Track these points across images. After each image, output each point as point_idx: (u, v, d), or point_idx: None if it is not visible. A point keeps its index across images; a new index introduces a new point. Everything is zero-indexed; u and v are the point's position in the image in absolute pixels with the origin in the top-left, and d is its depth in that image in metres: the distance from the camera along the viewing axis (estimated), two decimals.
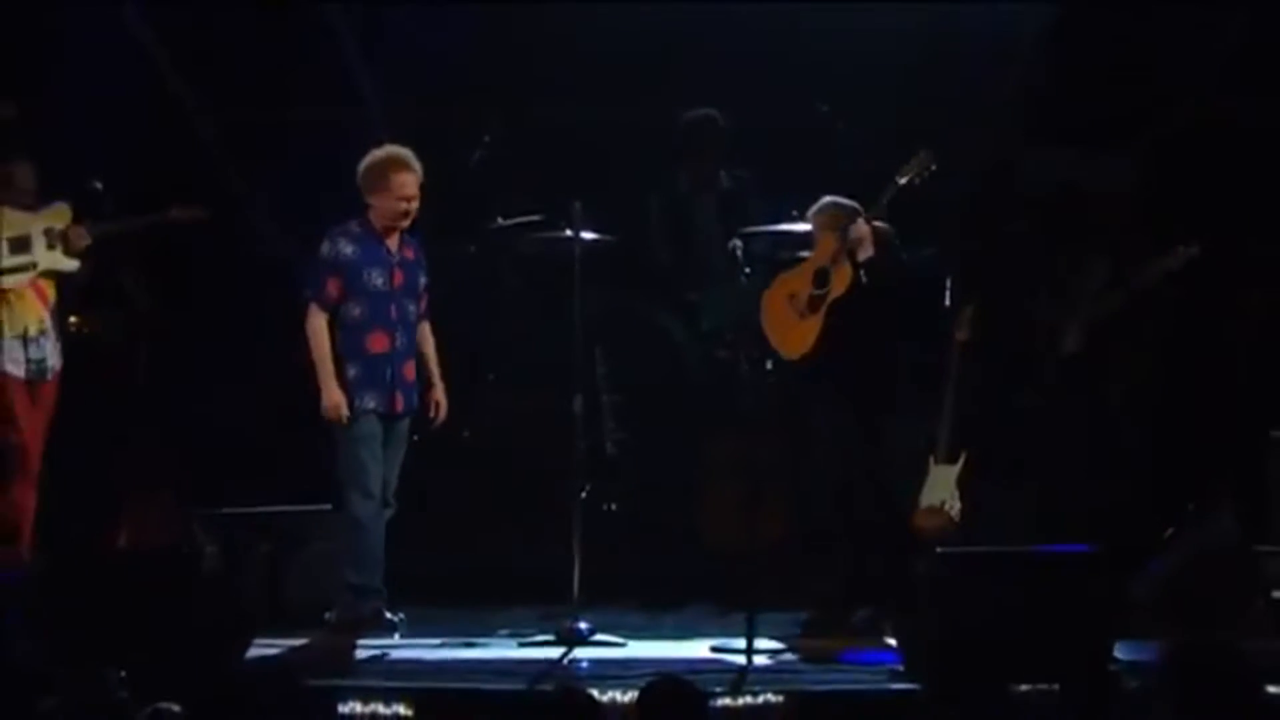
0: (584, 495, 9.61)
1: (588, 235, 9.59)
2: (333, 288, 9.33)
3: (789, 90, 11.13)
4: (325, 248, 9.35)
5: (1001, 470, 10.39)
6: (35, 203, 9.83)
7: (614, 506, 10.55)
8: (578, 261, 9.46)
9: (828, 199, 9.57)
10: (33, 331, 9.78)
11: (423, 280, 9.53)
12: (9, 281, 9.71)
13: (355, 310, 9.34)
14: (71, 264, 9.86)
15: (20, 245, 9.76)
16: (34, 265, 9.75)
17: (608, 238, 9.93)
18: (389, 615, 9.33)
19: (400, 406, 9.38)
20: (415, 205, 9.38)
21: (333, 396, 9.27)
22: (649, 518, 10.60)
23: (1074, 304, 10.24)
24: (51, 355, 9.83)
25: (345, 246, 9.34)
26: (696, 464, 10.57)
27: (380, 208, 9.35)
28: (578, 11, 11.12)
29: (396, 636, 9.21)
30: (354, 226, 9.40)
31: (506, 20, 11.25)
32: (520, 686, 8.05)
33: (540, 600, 9.65)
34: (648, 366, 10.73)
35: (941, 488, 10.28)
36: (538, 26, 11.21)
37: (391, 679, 8.18)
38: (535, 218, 10.23)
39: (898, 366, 9.66)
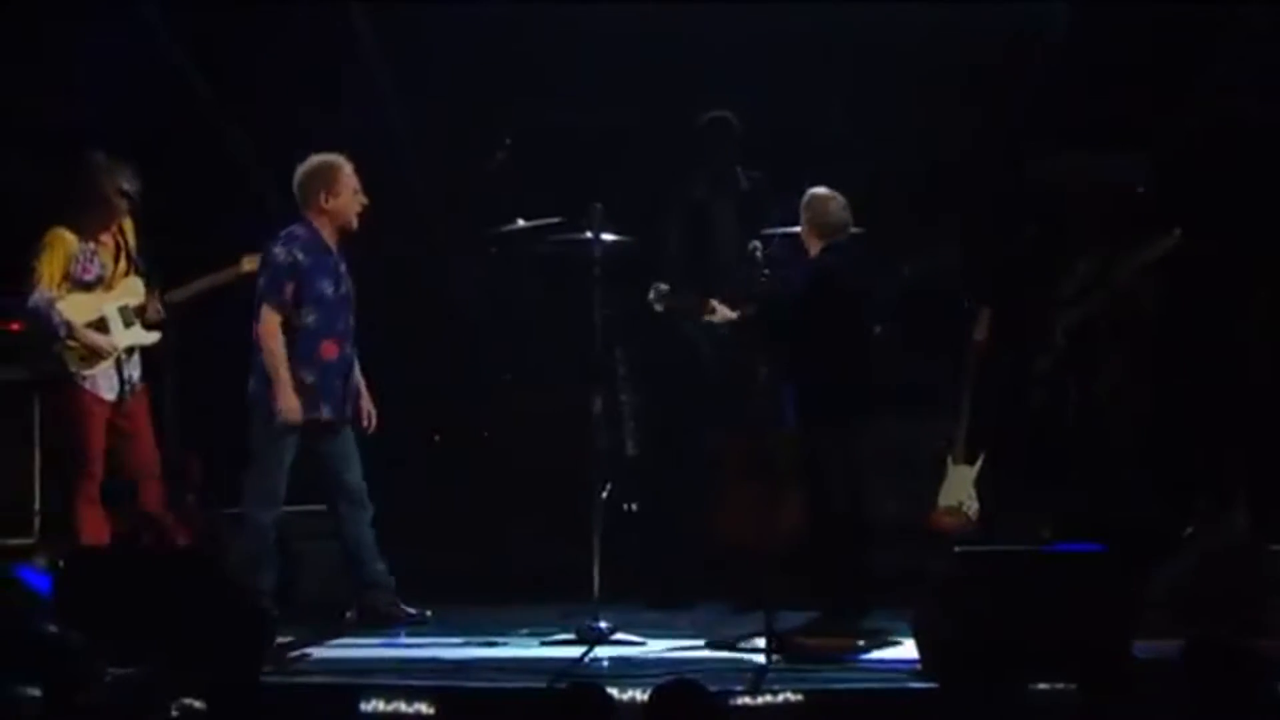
0: (604, 495, 9.62)
1: (607, 237, 9.61)
2: (289, 292, 9.31)
3: (804, 90, 11.15)
4: (281, 253, 9.30)
5: (1019, 470, 10.37)
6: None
7: (633, 506, 10.56)
8: (597, 263, 9.48)
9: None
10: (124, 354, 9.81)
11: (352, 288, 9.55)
12: (90, 369, 9.66)
13: (309, 318, 9.34)
14: (151, 337, 9.83)
15: (99, 328, 9.70)
16: (114, 348, 9.65)
17: (627, 239, 9.94)
18: (410, 610, 9.35)
19: (349, 414, 9.42)
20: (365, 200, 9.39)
21: (291, 400, 9.24)
22: (668, 517, 10.60)
23: (1062, 303, 10.26)
24: (137, 368, 9.84)
25: (299, 253, 9.32)
26: (715, 463, 10.54)
27: (337, 209, 9.34)
28: (597, 13, 11.12)
29: (402, 634, 9.23)
30: (301, 232, 9.37)
31: (526, 22, 11.24)
32: (541, 685, 8.04)
33: (560, 599, 9.66)
34: (667, 367, 10.72)
35: (959, 488, 10.37)
36: (557, 28, 11.20)
37: (413, 677, 8.17)
38: (555, 220, 10.24)
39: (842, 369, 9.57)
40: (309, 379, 9.28)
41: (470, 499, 10.71)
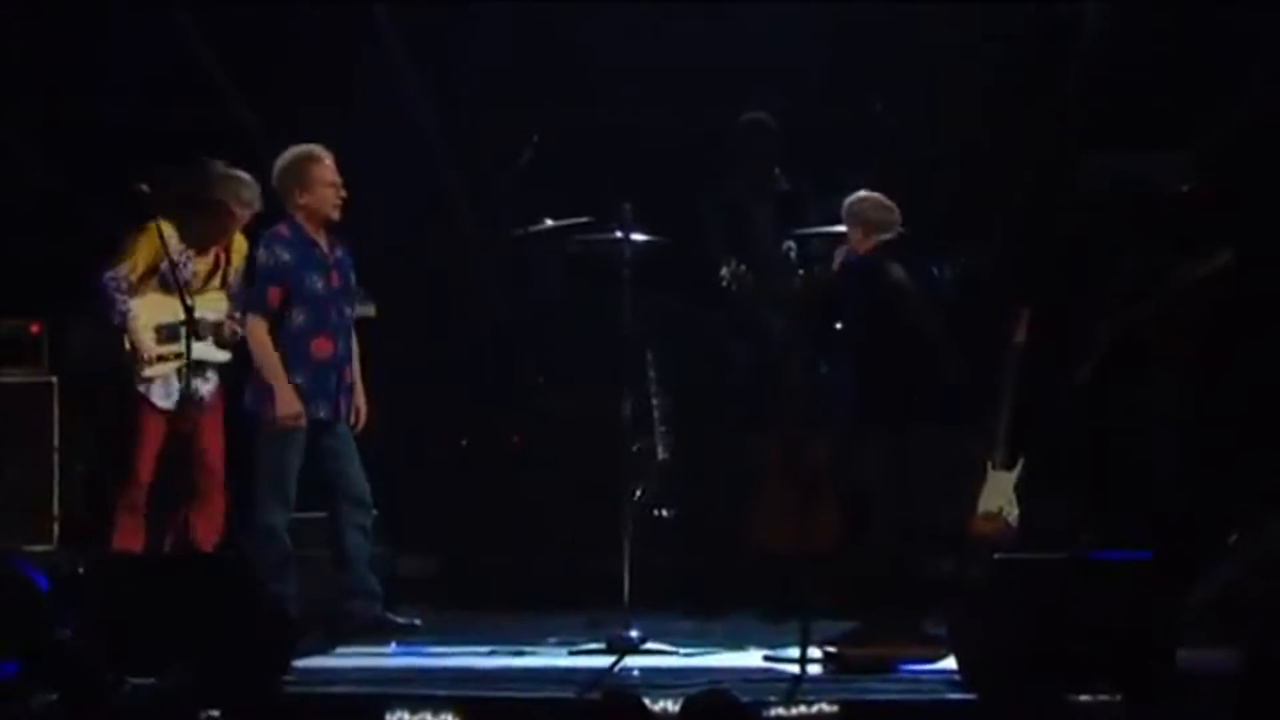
0: (634, 500, 9.58)
1: (638, 237, 9.58)
2: (274, 296, 9.25)
3: (843, 88, 11.13)
4: (263, 255, 9.25)
5: (1060, 475, 10.31)
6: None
7: (665, 511, 10.54)
8: (628, 264, 9.45)
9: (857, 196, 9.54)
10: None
11: (354, 279, 9.48)
12: (152, 371, 9.62)
13: (299, 317, 9.28)
14: (222, 355, 9.76)
15: (169, 334, 9.64)
16: (180, 355, 9.52)
17: (658, 239, 9.90)
18: (398, 619, 9.35)
19: (343, 411, 9.36)
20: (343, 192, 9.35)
21: (293, 405, 9.18)
22: (700, 523, 10.60)
23: (1107, 305, 10.20)
24: (209, 384, 9.77)
25: (282, 252, 9.25)
26: (748, 468, 10.51)
27: (312, 203, 9.26)
28: (631, 11, 11.11)
29: (393, 645, 9.21)
30: (284, 231, 9.30)
31: (557, 19, 11.24)
32: (570, 695, 7.99)
33: (590, 607, 9.63)
34: (699, 369, 10.72)
35: (999, 494, 10.29)
36: (589, 26, 11.19)
37: (440, 687, 8.12)
38: (584, 219, 10.20)
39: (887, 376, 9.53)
40: (299, 380, 9.21)
41: (498, 504, 10.68)
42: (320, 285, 9.28)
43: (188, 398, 9.50)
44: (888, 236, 9.46)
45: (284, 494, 9.23)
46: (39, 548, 10.15)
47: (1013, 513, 10.24)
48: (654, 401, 10.55)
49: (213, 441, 9.74)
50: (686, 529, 10.59)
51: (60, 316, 10.58)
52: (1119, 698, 7.59)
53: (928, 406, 9.44)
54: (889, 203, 9.49)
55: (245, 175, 9.73)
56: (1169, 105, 11.12)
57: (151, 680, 7.69)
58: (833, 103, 11.22)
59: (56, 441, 10.42)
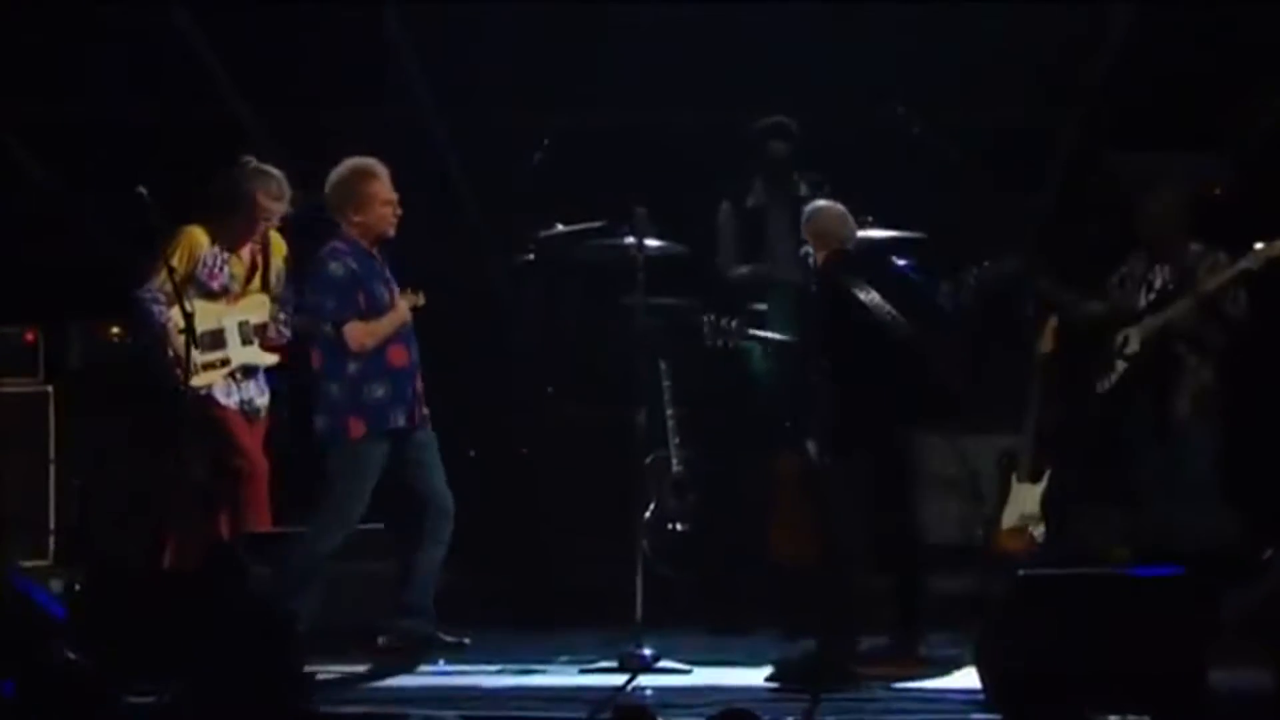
0: (648, 514, 9.53)
1: (652, 243, 9.57)
2: (362, 300, 9.21)
3: (863, 92, 11.11)
4: (335, 267, 9.17)
5: (1087, 488, 10.25)
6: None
7: (679, 526, 10.50)
8: (641, 270, 9.42)
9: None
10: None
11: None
12: (199, 380, 9.56)
13: None
14: (269, 359, 9.77)
15: (214, 341, 9.63)
16: (227, 362, 9.57)
17: (673, 245, 9.85)
18: (447, 637, 9.29)
19: (419, 419, 9.33)
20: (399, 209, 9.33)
21: (404, 315, 9.21)
22: (716, 537, 10.56)
23: (1129, 308, 10.16)
24: (261, 395, 9.79)
25: (352, 263, 9.23)
26: (766, 481, 10.50)
27: (368, 220, 9.24)
28: (647, 12, 11.16)
29: (441, 662, 9.17)
30: (342, 245, 9.26)
31: (570, 20, 11.27)
32: (581, 716, 7.96)
33: (602, 624, 9.61)
34: (714, 380, 10.66)
35: (1025, 507, 10.25)
36: (604, 26, 11.24)
37: (446, 707, 8.09)
38: (597, 224, 10.18)
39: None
40: (379, 391, 9.17)
41: (507, 518, 10.66)
42: (385, 296, 9.29)
43: (249, 407, 9.56)
44: (842, 248, 9.37)
45: (353, 516, 9.19)
46: (35, 563, 10.13)
47: (1039, 528, 10.18)
48: (669, 412, 10.53)
49: (260, 457, 9.75)
50: (702, 543, 10.55)
51: (57, 323, 10.56)
52: (1147, 719, 7.54)
53: (910, 417, 9.36)
54: (844, 213, 9.43)
55: (274, 170, 9.72)
56: (1199, 104, 11.16)
57: (150, 698, 7.65)
58: (854, 106, 11.21)
59: (52, 453, 10.39)
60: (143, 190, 9.27)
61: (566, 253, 10.61)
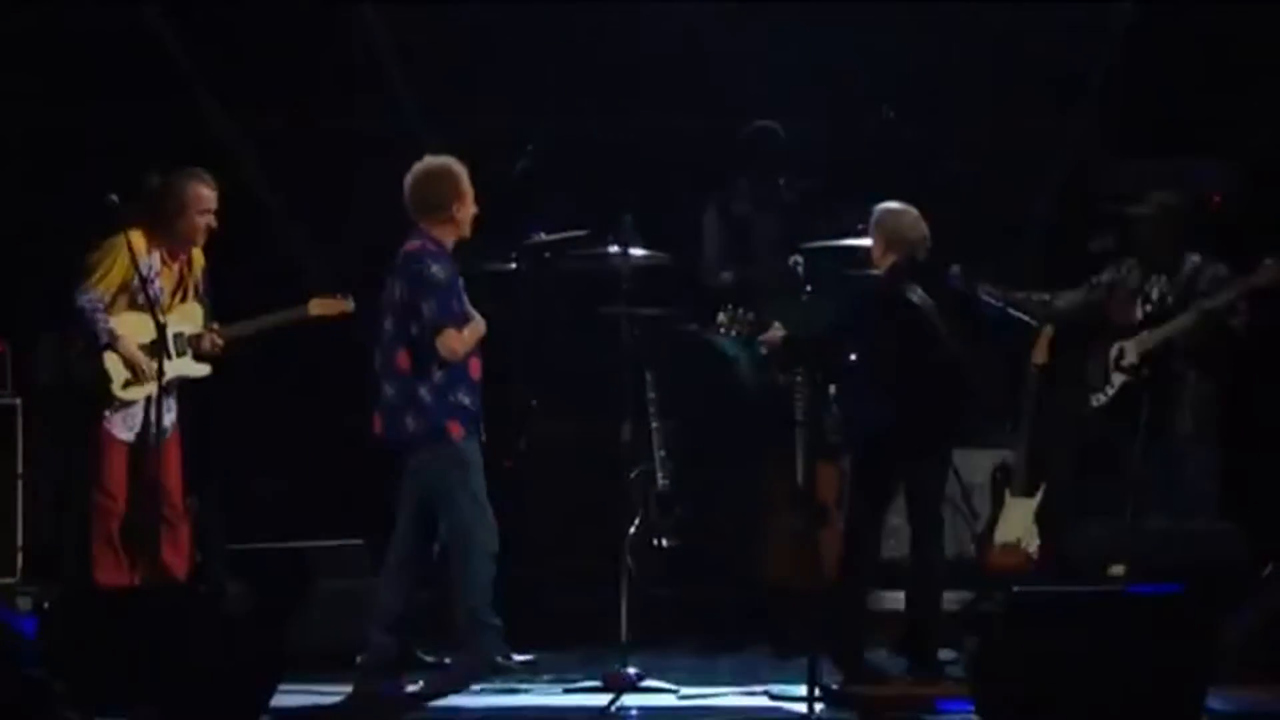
0: (633, 530, 9.59)
1: (637, 251, 9.55)
2: (465, 304, 9.13)
3: (852, 96, 11.13)
4: (438, 270, 9.01)
5: (1083, 503, 10.23)
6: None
7: (665, 542, 10.47)
8: (627, 279, 9.40)
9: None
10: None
11: None
12: (130, 394, 9.56)
13: None
14: (201, 369, 9.74)
15: (149, 354, 9.54)
16: (161, 374, 9.45)
17: (659, 254, 9.82)
18: (427, 657, 9.31)
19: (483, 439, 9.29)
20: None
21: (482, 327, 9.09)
22: (703, 554, 10.53)
23: (1125, 320, 10.13)
24: (171, 411, 9.72)
25: (450, 266, 9.11)
26: (754, 496, 10.48)
27: (460, 218, 9.10)
28: (632, 15, 11.15)
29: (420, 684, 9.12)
30: (433, 247, 9.12)
31: (554, 24, 11.25)
32: None
33: (586, 643, 9.60)
34: (701, 391, 10.65)
35: (1018, 523, 10.28)
36: (589, 30, 11.23)
37: None
38: (581, 232, 10.14)
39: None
40: (466, 400, 9.06)
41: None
42: (466, 304, 9.21)
43: (156, 430, 9.47)
44: (913, 255, 9.33)
45: (488, 507, 9.05)
46: (3, 580, 10.09)
47: (1033, 543, 10.15)
48: (654, 425, 10.50)
49: (174, 470, 9.68)
50: (688, 560, 10.50)
51: (26, 336, 10.52)
52: None
53: (953, 431, 9.40)
54: (918, 218, 9.34)
55: (207, 175, 9.71)
56: (1198, 111, 11.19)
57: None
58: (844, 110, 11.21)
59: (21, 468, 10.34)
60: (114, 198, 9.24)
61: (550, 262, 10.57)
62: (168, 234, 9.67)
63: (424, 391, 8.98)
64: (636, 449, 9.66)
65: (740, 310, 9.29)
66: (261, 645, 8.43)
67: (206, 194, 9.67)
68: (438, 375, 8.98)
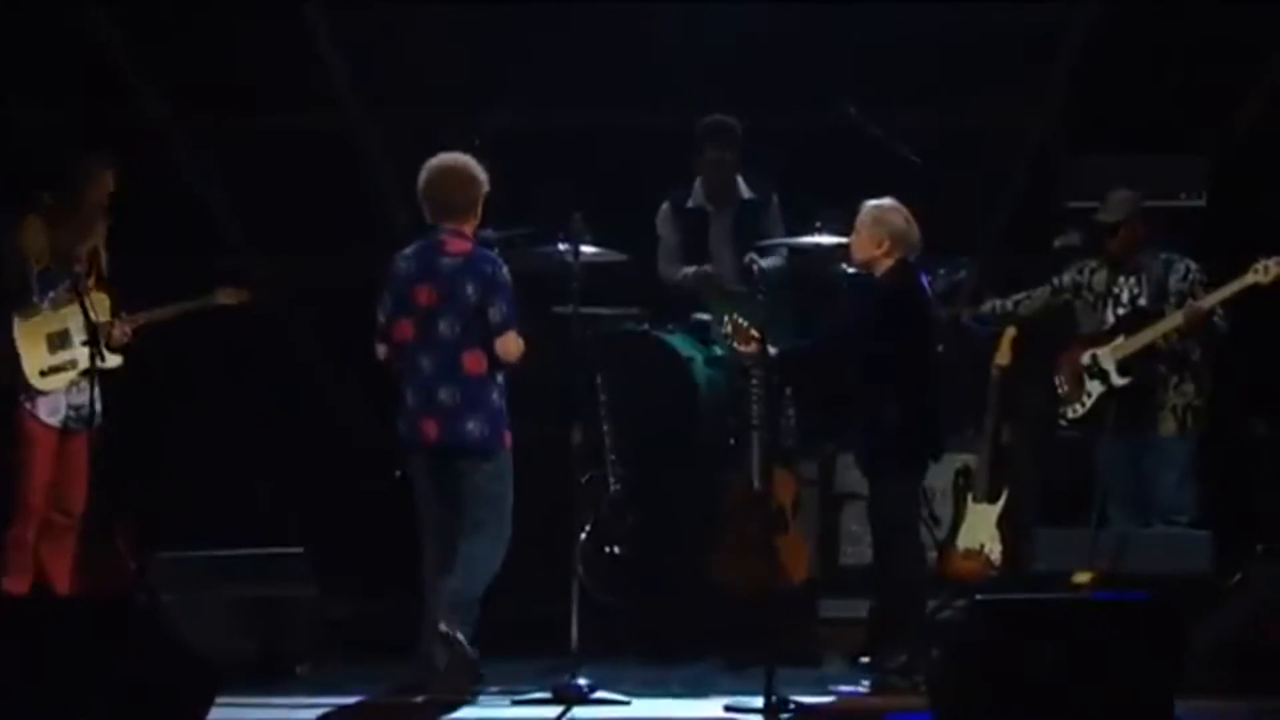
0: (584, 536, 9.58)
1: (588, 250, 9.52)
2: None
3: (812, 92, 11.14)
4: (509, 273, 9.18)
5: (1049, 508, 10.25)
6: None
7: (617, 549, 10.44)
8: (577, 278, 9.37)
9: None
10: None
11: None
12: (48, 384, 9.52)
13: None
14: (113, 361, 9.66)
15: (60, 341, 9.54)
16: (74, 364, 9.48)
17: (611, 253, 9.80)
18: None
19: None
20: None
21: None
22: (656, 561, 10.51)
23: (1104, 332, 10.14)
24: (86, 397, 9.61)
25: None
26: (709, 502, 10.48)
27: (478, 217, 9.28)
28: (584, 8, 11.16)
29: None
30: (485, 249, 9.24)
31: (503, 16, 11.27)
32: None
33: (535, 654, 9.57)
34: (654, 395, 10.61)
35: (981, 529, 10.28)
36: (536, 24, 11.24)
37: None
38: (529, 230, 10.10)
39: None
40: (502, 404, 9.19)
41: None
42: None
43: (75, 416, 9.49)
44: (914, 255, 9.38)
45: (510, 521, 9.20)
46: None
47: (996, 549, 10.14)
48: (605, 428, 10.46)
49: (79, 473, 9.63)
50: (641, 568, 10.47)
51: None
52: None
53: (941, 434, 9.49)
54: (910, 216, 9.40)
55: (108, 162, 9.69)
56: (1162, 108, 11.29)
57: None
58: (805, 105, 11.24)
59: None
60: (46, 197, 9.18)
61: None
62: (73, 224, 9.60)
63: (495, 396, 9.14)
64: (587, 453, 9.62)
65: (743, 321, 9.30)
66: (196, 659, 8.39)
67: (107, 181, 9.62)
68: (500, 379, 9.15)
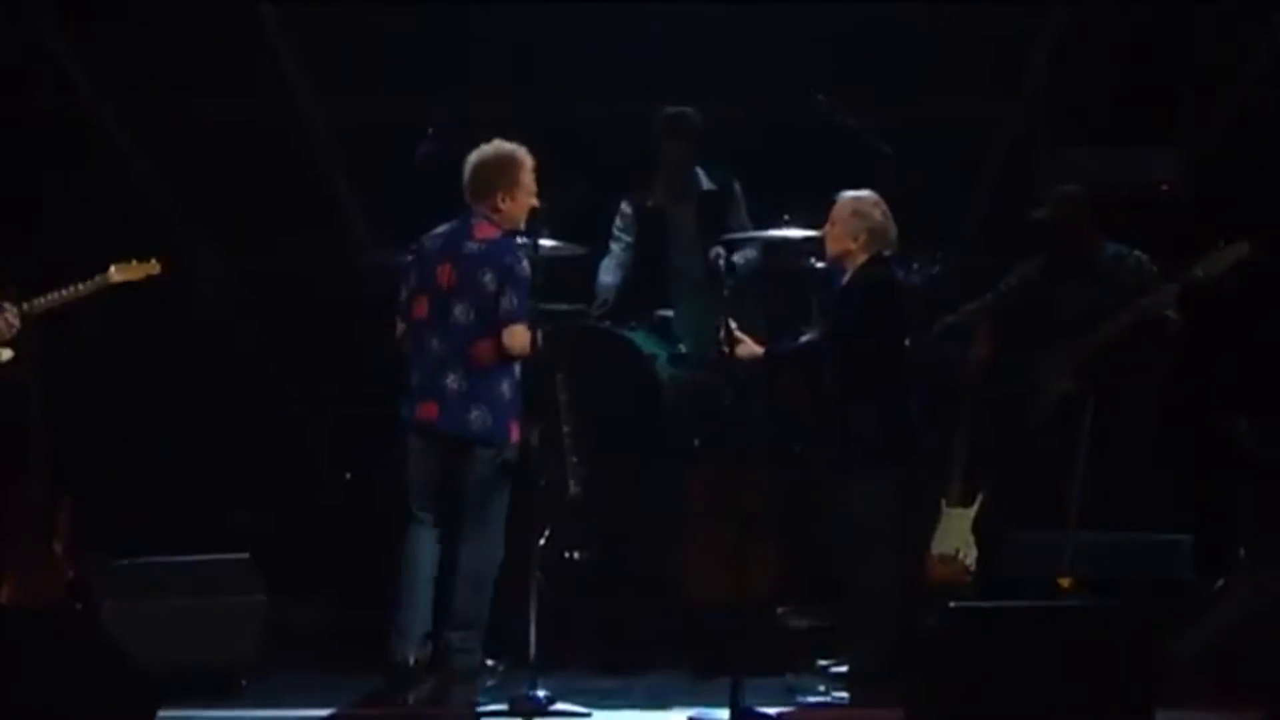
0: (542, 542, 9.53)
1: (546, 243, 9.50)
2: None
3: (782, 82, 11.18)
4: (526, 267, 9.18)
5: (1025, 512, 10.26)
6: None
7: (577, 554, 10.39)
8: (537, 272, 9.31)
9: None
10: None
11: None
12: None
13: None
14: (3, 354, 9.67)
15: None
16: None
17: (570, 246, 9.67)
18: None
19: None
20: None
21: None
22: (618, 566, 10.48)
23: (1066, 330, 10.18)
24: None
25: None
26: (674, 506, 10.47)
27: (509, 212, 9.24)
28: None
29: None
30: (508, 237, 9.21)
31: (457, 8, 11.31)
32: None
33: (492, 662, 9.46)
34: (616, 393, 10.57)
35: (955, 534, 10.27)
36: (493, 15, 11.30)
37: None
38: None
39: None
40: (515, 400, 9.22)
41: (386, 546, 10.46)
42: None
43: None
44: (891, 250, 9.40)
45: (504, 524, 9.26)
46: None
47: (971, 555, 10.12)
48: (564, 429, 10.38)
49: None
50: (602, 573, 10.45)
51: None
52: None
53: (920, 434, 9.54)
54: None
55: None
56: (1140, 101, 11.36)
57: None
58: (776, 98, 11.27)
59: None
60: None
61: None
62: None
63: (505, 387, 9.16)
64: (546, 454, 9.60)
65: (734, 326, 9.25)
66: (136, 670, 8.30)
67: None
68: (515, 371, 9.13)
